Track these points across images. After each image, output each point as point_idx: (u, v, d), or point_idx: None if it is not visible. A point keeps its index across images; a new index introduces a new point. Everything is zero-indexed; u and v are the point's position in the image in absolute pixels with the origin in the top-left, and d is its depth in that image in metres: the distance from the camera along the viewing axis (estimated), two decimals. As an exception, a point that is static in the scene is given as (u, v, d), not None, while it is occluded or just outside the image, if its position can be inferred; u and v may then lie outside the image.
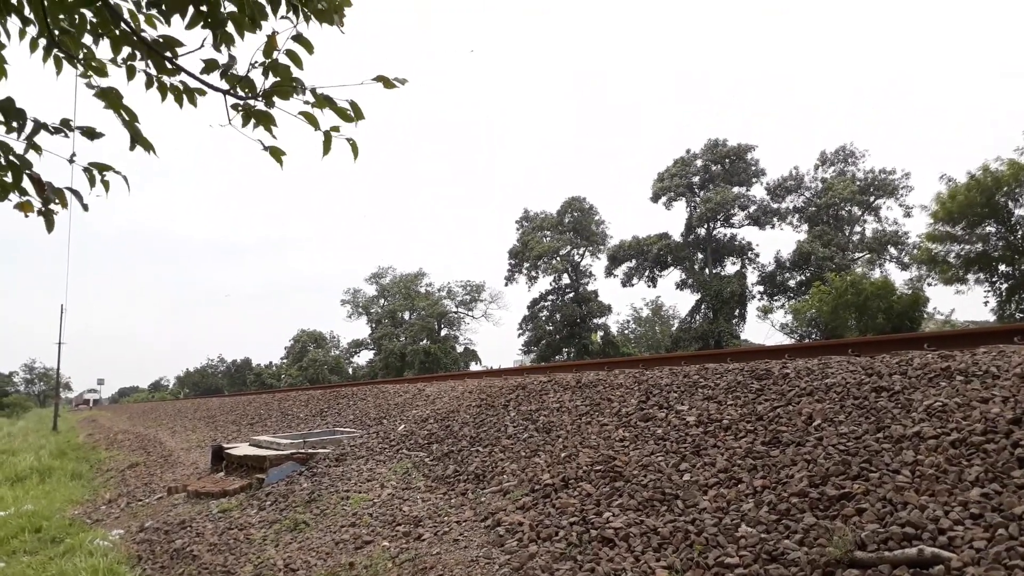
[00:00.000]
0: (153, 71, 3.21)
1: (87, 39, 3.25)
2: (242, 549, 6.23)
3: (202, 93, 3.22)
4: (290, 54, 3.00)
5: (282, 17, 3.03)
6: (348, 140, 3.11)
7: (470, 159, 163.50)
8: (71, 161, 3.05)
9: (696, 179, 52.31)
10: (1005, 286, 28.37)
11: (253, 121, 3.14)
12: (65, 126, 3.05)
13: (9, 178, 2.99)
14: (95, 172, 3.08)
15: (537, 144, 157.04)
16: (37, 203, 3.03)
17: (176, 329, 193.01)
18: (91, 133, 3.09)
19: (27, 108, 2.96)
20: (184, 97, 3.24)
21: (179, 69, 3.11)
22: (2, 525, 8.21)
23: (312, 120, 3.06)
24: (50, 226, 3.04)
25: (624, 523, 4.62)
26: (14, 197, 3.03)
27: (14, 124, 2.94)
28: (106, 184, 3.12)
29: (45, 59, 3.22)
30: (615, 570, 4.12)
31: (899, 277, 41.64)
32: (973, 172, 27.41)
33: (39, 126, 2.98)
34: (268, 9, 3.03)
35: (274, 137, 3.20)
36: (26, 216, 3.03)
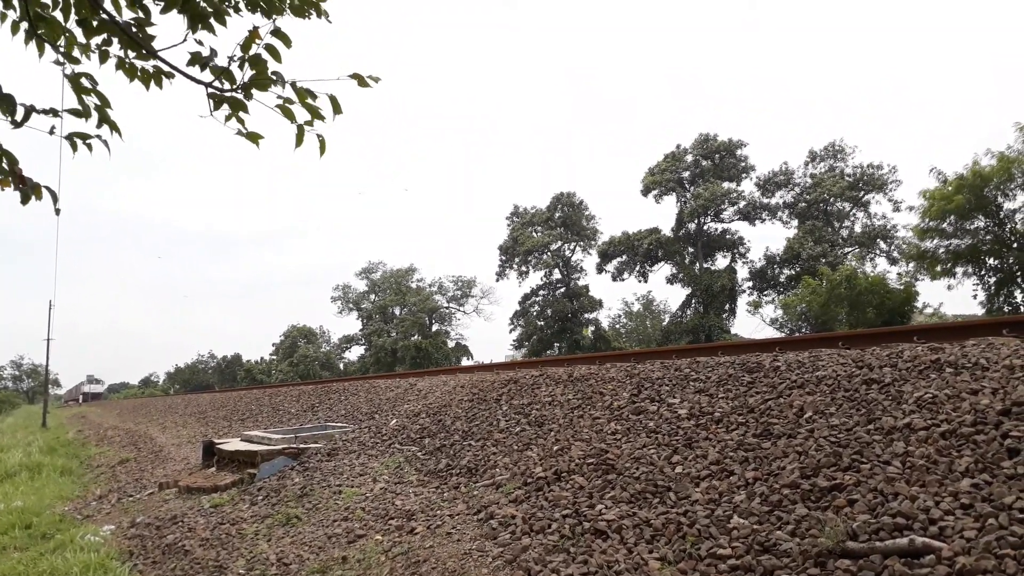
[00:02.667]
0: (123, 56, 3.24)
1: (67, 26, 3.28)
2: (234, 544, 6.21)
3: (170, 76, 3.25)
4: (268, 48, 3.03)
5: (259, 11, 3.06)
6: (317, 136, 3.16)
7: (461, 154, 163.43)
8: (51, 132, 3.09)
9: (686, 174, 52.37)
10: (993, 280, 28.54)
11: (227, 107, 3.16)
12: (52, 112, 3.09)
13: None
14: (77, 140, 3.15)
15: (527, 139, 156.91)
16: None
17: (166, 325, 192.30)
18: (78, 113, 3.16)
19: (15, 94, 2.99)
20: (152, 80, 3.29)
21: (153, 55, 3.14)
22: (-8, 521, 8.16)
23: (288, 113, 3.09)
24: (25, 200, 3.08)
25: (617, 515, 4.64)
26: None
27: (1, 112, 2.95)
28: (89, 147, 3.18)
29: (27, 41, 3.24)
30: (608, 562, 4.13)
31: (889, 271, 41.87)
32: (963, 172, 27.54)
33: (29, 111, 3.00)
34: (244, 6, 3.06)
35: (243, 126, 3.23)
36: (2, 190, 3.07)
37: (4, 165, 3.00)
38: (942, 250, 29.46)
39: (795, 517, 3.91)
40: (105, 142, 3.19)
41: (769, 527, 3.92)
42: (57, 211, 3.13)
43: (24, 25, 3.24)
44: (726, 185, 50.52)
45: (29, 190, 3.01)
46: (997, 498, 3.41)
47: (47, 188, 3.04)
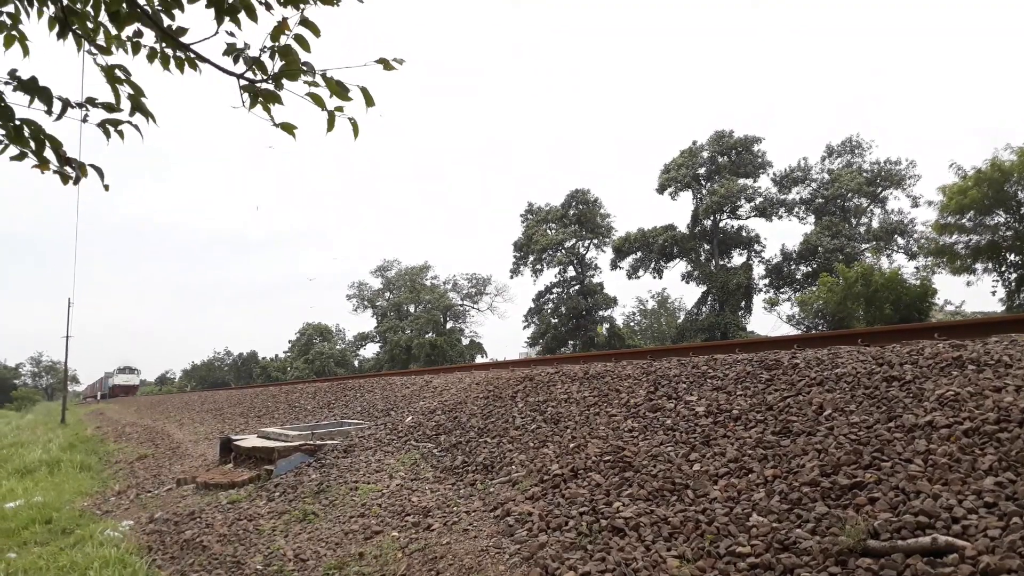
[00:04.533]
0: (156, 45, 3.31)
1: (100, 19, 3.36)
2: (252, 539, 6.24)
3: (204, 60, 3.32)
4: (298, 38, 3.09)
5: (287, 3, 3.10)
6: (350, 119, 3.21)
7: (476, 152, 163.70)
8: (84, 120, 3.20)
9: (702, 170, 52.11)
10: (1014, 276, 28.22)
11: (261, 101, 3.22)
12: (89, 102, 3.20)
13: (32, 146, 3.15)
14: (109, 127, 3.27)
15: (542, 136, 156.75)
16: (54, 164, 3.17)
17: (182, 323, 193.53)
18: (110, 107, 3.24)
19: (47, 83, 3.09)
20: (185, 65, 3.36)
21: (187, 50, 3.20)
22: (13, 516, 8.25)
23: (319, 101, 3.15)
24: (64, 181, 3.19)
25: (634, 513, 4.61)
26: (31, 158, 3.20)
27: (42, 104, 3.06)
28: (121, 134, 3.29)
29: (63, 37, 3.33)
30: (626, 559, 4.11)
31: (907, 266, 41.50)
32: (982, 167, 27.28)
33: (65, 104, 3.10)
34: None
35: (271, 116, 3.29)
36: (42, 172, 3.21)
37: (47, 153, 3.09)
38: (961, 246, 29.19)
39: (815, 515, 3.87)
40: (136, 127, 3.29)
41: (789, 525, 3.89)
42: (106, 187, 3.25)
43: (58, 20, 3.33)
44: (742, 181, 50.22)
45: (76, 169, 3.10)
46: (1021, 496, 3.36)
47: (92, 166, 3.15)
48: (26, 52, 3.48)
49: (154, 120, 3.37)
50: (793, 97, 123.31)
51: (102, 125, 3.21)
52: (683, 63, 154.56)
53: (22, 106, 3.07)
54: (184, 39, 3.19)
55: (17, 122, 3.04)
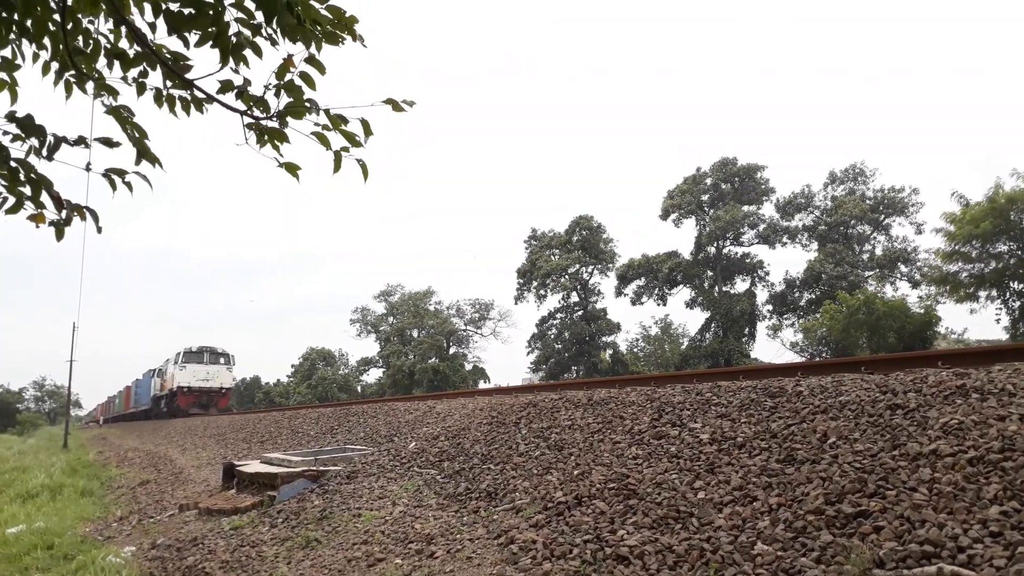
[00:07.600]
0: (162, 86, 3.29)
1: (101, 62, 3.34)
2: (254, 566, 6.22)
3: (209, 102, 3.30)
4: (303, 76, 3.08)
5: (295, 42, 3.11)
6: (358, 161, 3.19)
7: (479, 177, 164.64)
8: (87, 169, 3.14)
9: (706, 197, 52.37)
10: (1018, 304, 28.19)
11: (267, 138, 3.22)
12: (83, 142, 3.14)
13: (28, 191, 3.06)
14: (114, 177, 3.17)
15: (545, 162, 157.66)
16: (50, 215, 3.10)
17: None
18: (108, 143, 3.19)
19: (44, 122, 3.05)
20: (191, 107, 3.33)
21: (191, 86, 3.20)
22: (15, 542, 8.22)
23: (324, 140, 3.14)
24: (59, 236, 3.13)
25: (639, 541, 4.60)
26: (28, 208, 3.10)
27: (35, 140, 3.02)
28: (128, 185, 3.22)
29: (56, 82, 3.31)
30: (630, 588, 4.09)
31: (910, 295, 41.46)
32: (988, 195, 27.39)
33: (59, 140, 3.06)
34: (277, 35, 3.11)
35: (280, 155, 3.27)
36: (37, 226, 3.13)
37: (42, 197, 3.05)
38: (965, 274, 29.20)
39: (820, 544, 3.86)
40: (144, 177, 3.22)
41: (794, 554, 3.88)
42: (99, 229, 3.19)
43: (55, 66, 3.32)
44: (745, 208, 50.43)
45: (70, 212, 3.07)
46: (1027, 526, 3.35)
47: (87, 208, 3.10)
48: (15, 98, 3.39)
49: (161, 166, 3.29)
50: (799, 122, 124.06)
51: (106, 175, 3.15)
52: (687, 86, 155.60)
53: (16, 148, 3.00)
54: (188, 76, 3.18)
55: (13, 164, 2.96)
